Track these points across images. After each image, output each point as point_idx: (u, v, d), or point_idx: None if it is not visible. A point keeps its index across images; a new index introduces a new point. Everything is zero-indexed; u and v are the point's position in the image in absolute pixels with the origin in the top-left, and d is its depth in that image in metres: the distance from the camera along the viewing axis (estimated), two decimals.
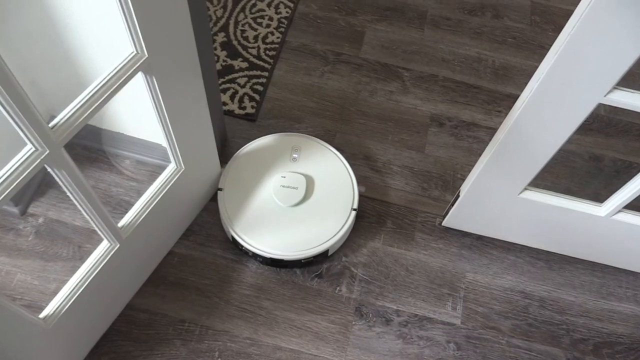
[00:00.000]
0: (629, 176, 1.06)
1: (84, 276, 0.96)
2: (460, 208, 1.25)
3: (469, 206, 1.24)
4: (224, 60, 1.56)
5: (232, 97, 1.50)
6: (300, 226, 1.23)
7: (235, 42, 1.61)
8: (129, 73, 0.78)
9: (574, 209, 1.15)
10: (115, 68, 0.77)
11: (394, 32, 1.70)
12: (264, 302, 1.22)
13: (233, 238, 1.23)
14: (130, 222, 1.03)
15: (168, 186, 1.08)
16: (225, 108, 1.48)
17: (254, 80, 1.54)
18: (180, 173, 1.10)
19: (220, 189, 1.27)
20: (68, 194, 0.82)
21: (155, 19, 0.77)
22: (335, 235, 1.23)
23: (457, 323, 1.24)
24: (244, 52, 1.59)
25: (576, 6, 0.77)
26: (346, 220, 1.25)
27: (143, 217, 1.04)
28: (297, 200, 1.24)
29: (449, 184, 1.42)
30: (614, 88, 0.85)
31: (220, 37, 1.61)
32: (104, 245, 1.00)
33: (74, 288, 0.95)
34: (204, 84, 1.09)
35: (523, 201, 1.17)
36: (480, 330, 1.23)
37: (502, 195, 1.16)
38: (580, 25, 0.75)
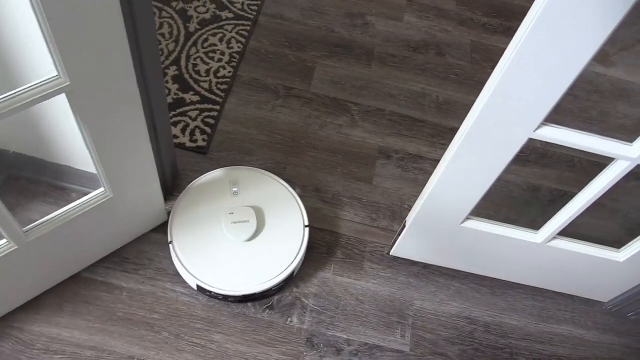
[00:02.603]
0: (563, 204, 1.13)
1: None
2: (406, 238, 1.30)
3: (415, 236, 1.28)
4: (175, 94, 1.58)
5: (183, 130, 1.51)
6: (263, 256, 1.26)
7: (187, 76, 1.63)
8: (45, 94, 0.80)
9: (512, 236, 1.21)
10: (31, 86, 0.79)
11: (343, 68, 1.76)
12: (215, 336, 1.21)
13: (199, 287, 1.22)
14: (38, 228, 1.04)
15: (89, 208, 1.09)
16: (176, 141, 1.48)
17: (206, 114, 1.55)
18: (107, 199, 1.11)
19: (170, 242, 1.25)
20: None
21: (80, 47, 0.78)
22: (297, 255, 1.26)
23: (406, 350, 1.26)
24: (195, 86, 1.61)
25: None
26: (303, 239, 1.28)
27: (54, 227, 1.06)
28: (251, 233, 1.26)
29: (396, 214, 1.47)
30: (542, 124, 0.92)
31: (172, 71, 1.63)
32: (2, 242, 1.02)
33: None
34: (152, 116, 1.10)
35: (465, 230, 1.22)
36: (429, 356, 1.26)
37: (446, 224, 1.21)
38: (509, 65, 0.82)
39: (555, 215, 1.16)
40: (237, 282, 1.22)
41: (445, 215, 1.18)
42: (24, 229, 1.02)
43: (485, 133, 0.94)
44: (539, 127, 0.92)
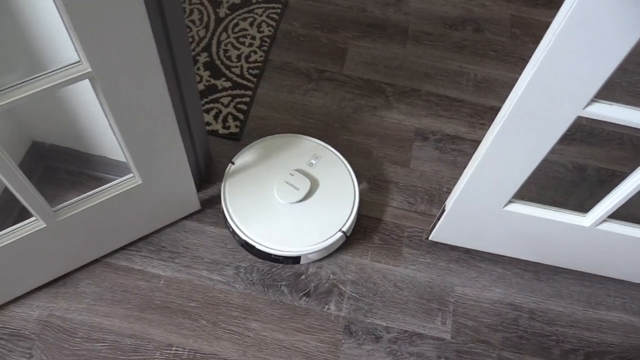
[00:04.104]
0: (613, 185, 1.07)
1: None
2: (446, 222, 1.25)
3: (455, 220, 1.24)
4: (207, 80, 1.56)
5: (215, 117, 1.50)
6: (294, 223, 1.29)
7: (218, 62, 1.61)
8: (67, 79, 0.79)
9: (558, 219, 1.16)
10: (53, 71, 0.78)
11: (376, 48, 1.71)
12: (252, 324, 1.20)
13: (232, 230, 1.27)
14: (67, 208, 1.06)
15: (117, 193, 1.10)
16: (209, 128, 1.47)
17: (238, 100, 1.54)
18: (136, 185, 1.11)
19: (232, 163, 1.34)
20: None
21: (100, 34, 0.77)
22: (321, 243, 1.25)
23: (447, 338, 1.23)
24: (227, 72, 1.59)
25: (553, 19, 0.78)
26: (333, 237, 1.26)
27: (83, 209, 1.08)
28: (294, 200, 1.29)
29: (434, 198, 1.43)
30: (592, 101, 0.86)
31: (203, 58, 1.61)
32: (31, 220, 1.04)
33: None
34: (184, 104, 1.09)
35: (508, 214, 1.17)
36: (471, 344, 1.22)
37: (487, 208, 1.16)
38: (556, 39, 0.76)
39: (605, 198, 1.09)
40: (262, 236, 1.25)
41: (487, 198, 1.13)
42: (53, 209, 1.04)
43: (529, 112, 0.89)
44: (588, 104, 0.86)
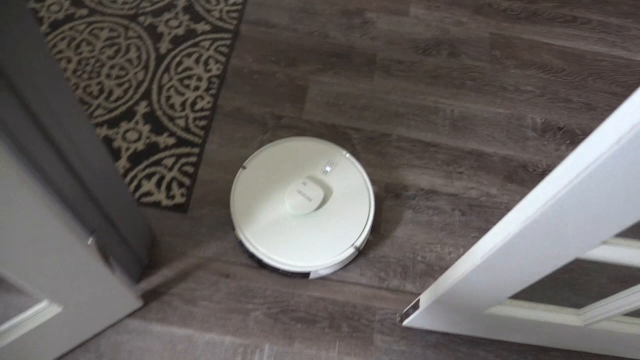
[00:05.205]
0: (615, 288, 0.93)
1: None
2: (420, 316, 1.11)
3: (430, 314, 1.10)
4: (147, 137, 1.36)
5: (158, 184, 1.31)
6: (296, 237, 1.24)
7: (159, 112, 1.40)
8: None
9: (548, 320, 1.02)
10: None
11: (341, 83, 1.51)
12: None
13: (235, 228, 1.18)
14: None
15: (32, 327, 0.92)
16: (150, 199, 1.29)
17: (183, 160, 1.34)
18: (55, 314, 0.94)
19: (244, 167, 1.28)
20: None
21: None
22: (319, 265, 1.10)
23: None
24: (170, 125, 1.39)
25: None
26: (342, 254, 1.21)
27: None
28: (305, 212, 1.22)
29: (408, 270, 1.28)
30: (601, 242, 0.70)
31: (143, 107, 1.41)
32: None
33: None
34: (99, 208, 0.90)
35: (491, 315, 1.03)
36: None
37: (467, 312, 1.02)
38: (567, 192, 0.60)
39: (607, 299, 0.95)
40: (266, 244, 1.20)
41: (466, 306, 0.99)
42: None
43: (520, 251, 0.73)
44: (594, 247, 0.70)
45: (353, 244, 1.21)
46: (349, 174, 1.29)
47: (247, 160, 1.29)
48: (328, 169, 1.29)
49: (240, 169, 1.28)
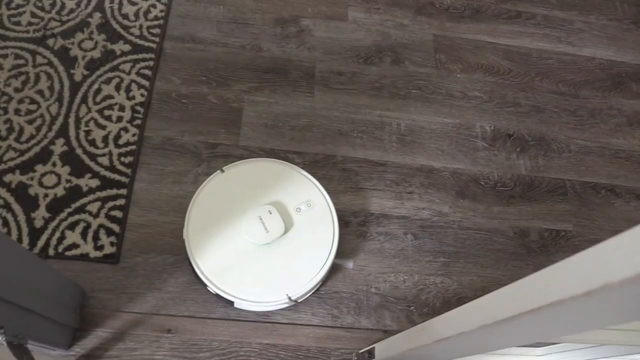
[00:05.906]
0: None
1: None
2: None
3: None
4: (67, 181, 1.23)
5: (83, 234, 1.18)
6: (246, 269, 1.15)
7: (79, 151, 1.27)
8: None
9: None
10: None
11: (278, 102, 1.40)
12: None
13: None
14: None
15: None
16: (76, 252, 1.16)
17: (110, 204, 1.22)
18: None
19: (222, 170, 1.20)
20: None
21: None
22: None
23: None
24: (92, 165, 1.25)
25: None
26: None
27: None
28: (262, 242, 1.14)
29: (362, 304, 1.21)
30: None
31: (59, 147, 1.26)
32: None
33: None
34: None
35: None
36: None
37: None
38: None
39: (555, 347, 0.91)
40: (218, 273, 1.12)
41: None
42: None
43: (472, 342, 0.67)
44: None
45: (288, 295, 1.10)
46: (320, 223, 1.18)
47: (227, 166, 1.21)
48: (303, 208, 1.18)
49: (219, 171, 1.20)
